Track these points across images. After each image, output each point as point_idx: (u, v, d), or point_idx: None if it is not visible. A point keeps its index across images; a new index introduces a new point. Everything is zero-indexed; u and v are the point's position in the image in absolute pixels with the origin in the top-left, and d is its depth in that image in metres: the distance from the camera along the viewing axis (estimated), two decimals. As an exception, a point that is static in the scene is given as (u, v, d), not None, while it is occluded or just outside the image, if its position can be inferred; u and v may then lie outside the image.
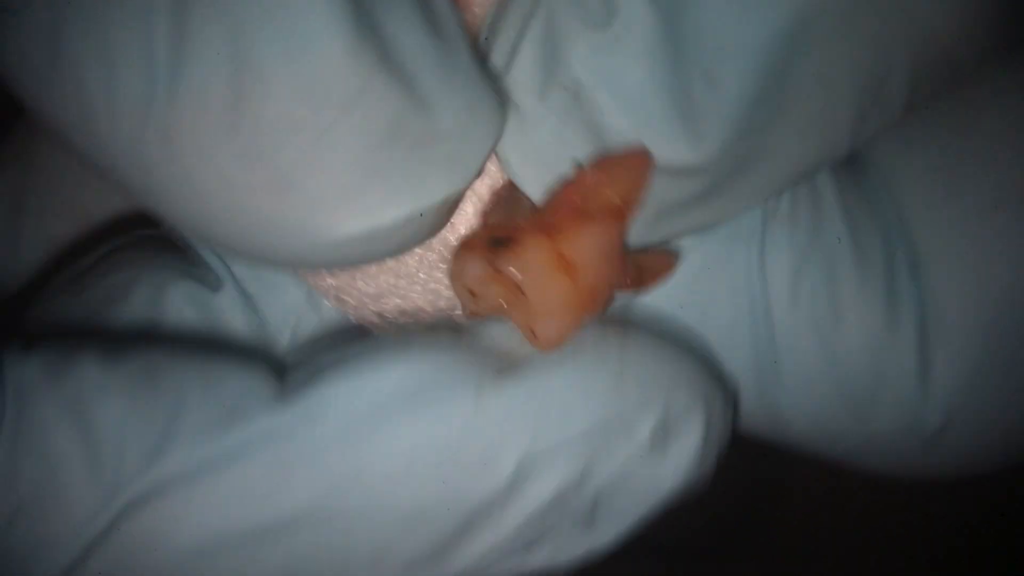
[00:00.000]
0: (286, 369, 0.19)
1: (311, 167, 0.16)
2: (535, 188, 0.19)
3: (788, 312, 0.20)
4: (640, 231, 0.19)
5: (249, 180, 0.16)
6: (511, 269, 0.18)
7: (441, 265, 0.20)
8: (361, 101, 0.16)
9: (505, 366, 0.18)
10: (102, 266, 0.22)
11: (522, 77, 0.18)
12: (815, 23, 0.17)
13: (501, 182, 0.20)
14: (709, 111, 0.17)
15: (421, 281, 0.20)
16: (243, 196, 0.16)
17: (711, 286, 0.21)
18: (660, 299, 0.21)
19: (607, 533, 0.20)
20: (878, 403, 0.21)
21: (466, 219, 0.20)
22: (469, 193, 0.20)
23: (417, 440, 0.17)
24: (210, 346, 0.20)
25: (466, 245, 0.19)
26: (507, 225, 0.19)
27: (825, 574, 0.52)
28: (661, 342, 0.19)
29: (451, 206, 0.18)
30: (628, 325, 0.19)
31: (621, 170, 0.18)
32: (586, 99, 0.17)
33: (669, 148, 0.17)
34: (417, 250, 0.20)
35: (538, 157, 0.18)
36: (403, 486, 0.17)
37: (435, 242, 0.20)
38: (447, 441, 0.17)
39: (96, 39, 0.15)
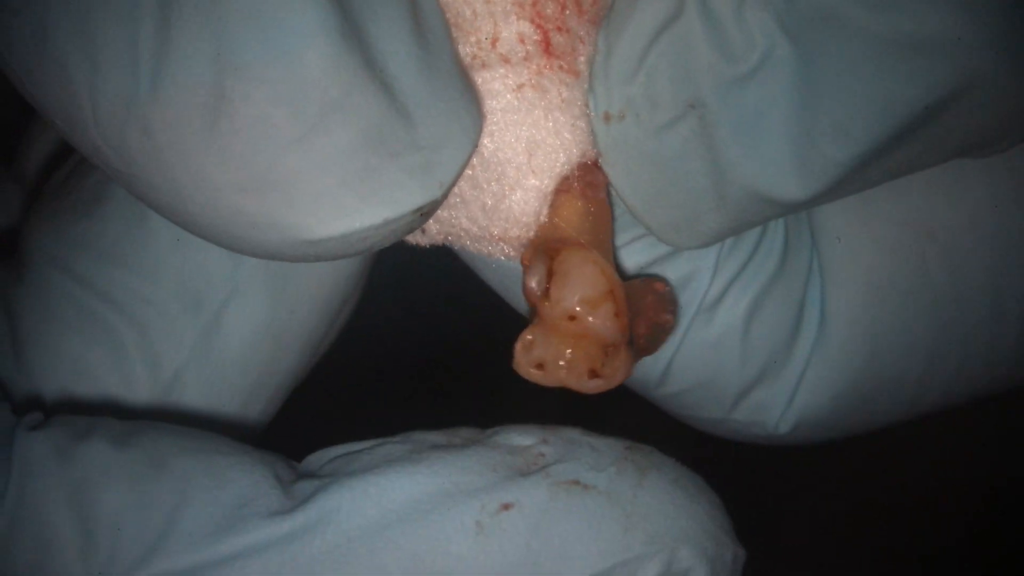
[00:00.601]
0: (293, 472, 0.19)
1: (288, 170, 0.16)
2: (638, 201, 0.19)
3: (714, 304, 0.21)
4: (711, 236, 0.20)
5: (226, 179, 0.16)
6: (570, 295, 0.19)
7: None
8: (342, 107, 0.16)
9: (512, 492, 0.18)
10: (82, 168, 0.23)
11: (651, 89, 0.18)
12: (956, 99, 0.17)
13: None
14: (828, 160, 0.18)
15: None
16: (218, 193, 0.16)
17: (677, 260, 0.22)
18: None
19: None
20: (744, 400, 0.22)
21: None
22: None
23: (411, 568, 0.17)
24: (219, 438, 0.20)
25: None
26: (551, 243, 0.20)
27: (826, 574, 0.52)
28: (676, 487, 0.19)
29: (425, 213, 0.18)
30: (649, 464, 0.19)
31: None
32: (709, 122, 0.18)
33: (776, 185, 0.18)
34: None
35: (651, 168, 0.19)
36: None
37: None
38: (442, 572, 0.17)
39: (82, 38, 0.16)
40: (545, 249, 0.20)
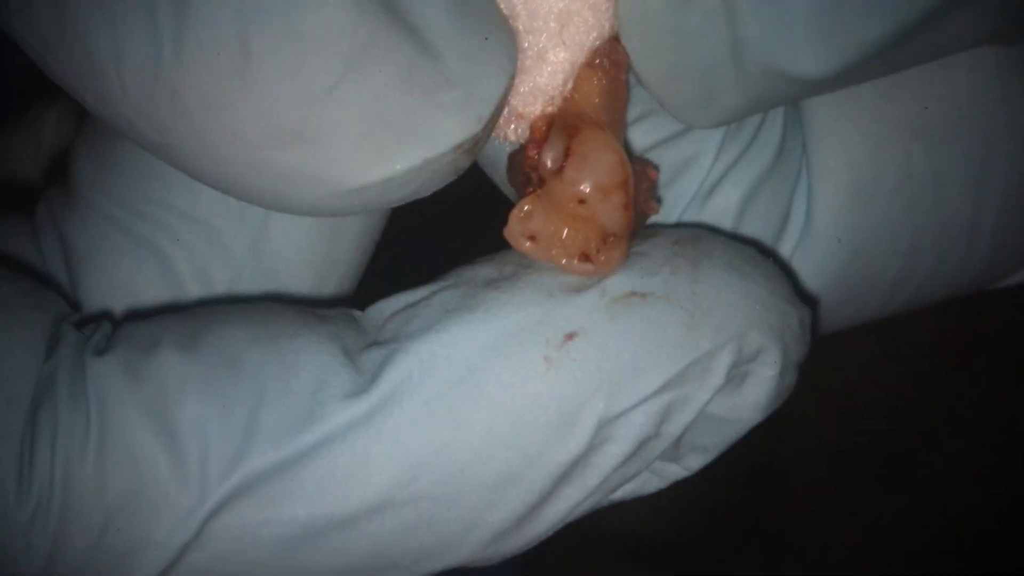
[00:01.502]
0: (358, 336, 0.19)
1: (322, 120, 0.16)
2: (655, 75, 0.19)
3: (708, 193, 0.21)
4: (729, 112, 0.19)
5: (260, 135, 0.16)
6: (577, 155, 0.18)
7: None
8: (368, 52, 0.16)
9: (572, 319, 0.18)
10: None
11: None
12: None
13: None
14: (854, 37, 0.17)
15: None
16: (256, 151, 0.17)
17: (681, 141, 0.22)
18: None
19: (690, 466, 0.20)
20: None
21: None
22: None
23: (492, 413, 0.18)
24: (281, 313, 0.20)
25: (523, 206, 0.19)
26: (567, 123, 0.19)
27: (826, 574, 0.52)
28: (731, 271, 0.19)
29: (468, 150, 0.18)
30: (699, 254, 0.19)
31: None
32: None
33: (796, 61, 0.17)
34: None
35: (670, 41, 0.18)
36: (483, 459, 0.18)
37: None
38: (521, 411, 0.18)
39: (101, 10, 0.16)
40: (564, 125, 0.19)
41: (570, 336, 0.18)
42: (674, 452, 0.20)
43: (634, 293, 0.18)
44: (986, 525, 0.51)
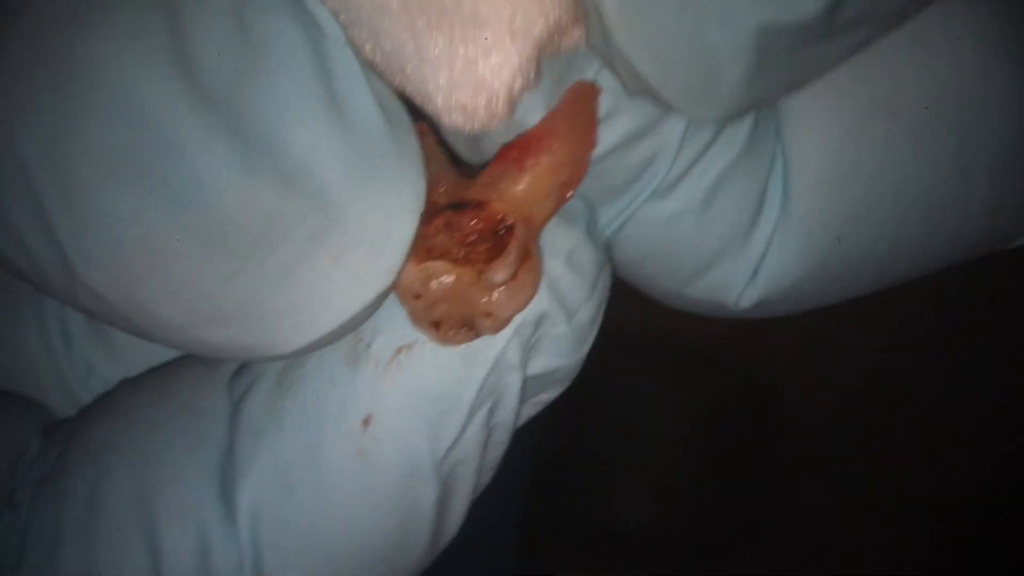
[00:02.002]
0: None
1: (232, 304, 0.17)
2: (650, 62, 0.17)
3: (673, 184, 0.21)
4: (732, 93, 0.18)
5: (183, 320, 0.17)
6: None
7: None
8: (268, 232, 0.16)
9: (364, 408, 0.19)
10: None
11: None
12: None
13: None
14: None
15: None
16: (184, 332, 0.17)
17: (640, 144, 0.20)
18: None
19: (557, 389, 0.21)
20: (700, 279, 0.22)
21: None
22: None
23: (335, 517, 0.19)
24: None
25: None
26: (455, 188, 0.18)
27: (827, 571, 0.52)
28: None
29: (389, 290, 0.18)
30: None
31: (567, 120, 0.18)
32: None
33: (786, 5, 0.17)
34: None
35: (662, 23, 0.17)
36: (352, 562, 0.19)
37: None
38: (362, 508, 0.19)
39: (5, 228, 0.17)
40: (521, 242, 0.18)
41: (367, 421, 0.18)
42: (533, 391, 0.20)
43: (399, 349, 0.18)
44: (987, 523, 0.51)
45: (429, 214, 0.18)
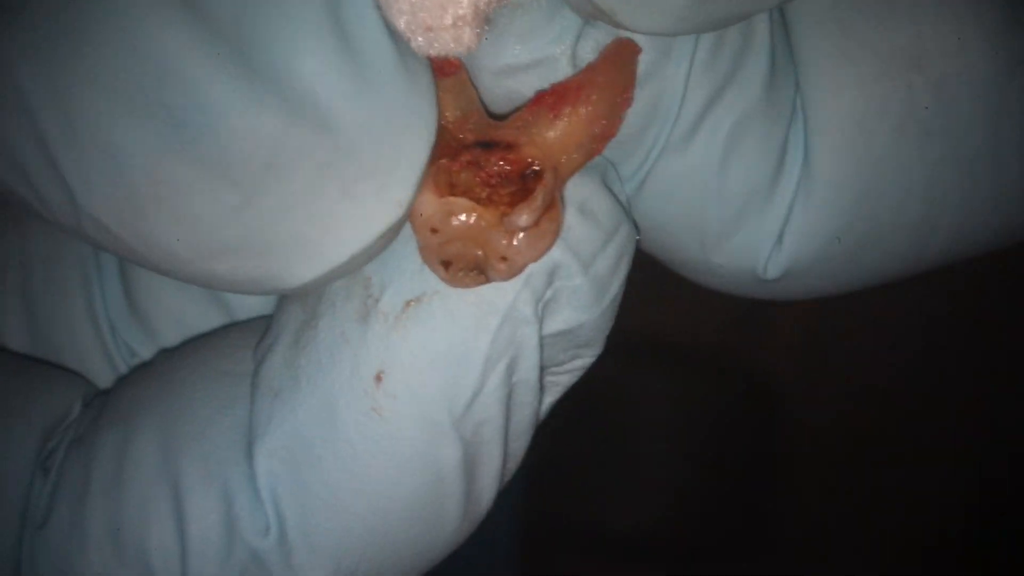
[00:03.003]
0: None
1: (240, 234, 0.16)
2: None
3: (688, 134, 0.20)
4: (679, 16, 0.17)
5: (189, 252, 0.17)
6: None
7: None
8: (275, 162, 0.16)
9: (376, 363, 0.18)
10: None
11: None
12: None
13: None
14: None
15: None
16: (191, 264, 0.17)
17: (642, 90, 0.20)
18: None
19: (592, 354, 0.20)
20: (726, 242, 0.21)
21: None
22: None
23: (364, 475, 0.18)
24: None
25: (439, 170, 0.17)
26: (479, 123, 0.18)
27: (826, 573, 0.52)
28: None
29: (400, 223, 0.17)
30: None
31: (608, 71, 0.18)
32: None
33: None
34: None
35: None
36: (385, 527, 0.18)
37: None
38: (385, 467, 0.18)
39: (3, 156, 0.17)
40: (548, 189, 0.18)
41: (379, 376, 0.18)
42: (565, 354, 0.20)
43: (408, 303, 0.18)
44: (988, 522, 0.51)
45: (455, 149, 0.17)
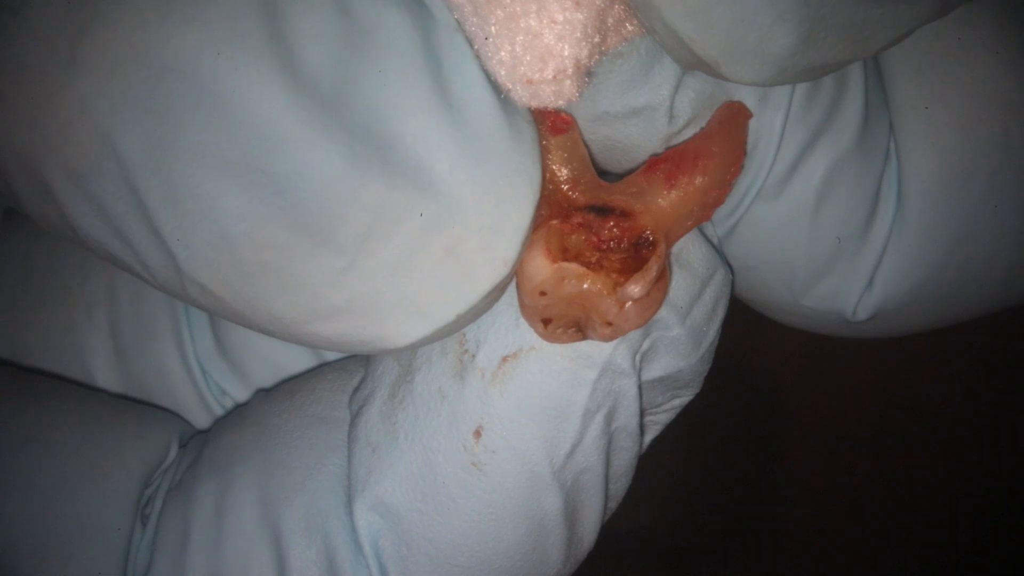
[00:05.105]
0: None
1: (347, 296, 0.16)
2: (690, 20, 0.16)
3: (782, 180, 0.20)
4: (788, 59, 0.17)
5: (296, 315, 0.17)
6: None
7: None
8: (378, 223, 0.16)
9: (475, 419, 0.18)
10: None
11: None
12: None
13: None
14: None
15: None
16: (297, 326, 0.17)
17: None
18: None
19: (691, 392, 0.20)
20: (816, 286, 0.21)
21: None
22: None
23: (466, 530, 0.18)
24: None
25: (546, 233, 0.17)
26: (593, 189, 0.17)
27: (826, 573, 0.52)
28: None
29: (507, 282, 0.17)
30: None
31: (719, 137, 0.17)
32: None
33: None
34: None
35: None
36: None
37: None
38: (487, 522, 0.18)
39: (101, 221, 0.17)
40: (660, 258, 0.17)
41: (478, 432, 0.18)
42: (664, 396, 0.20)
43: (505, 358, 0.18)
44: (988, 522, 0.51)
45: (565, 210, 0.17)
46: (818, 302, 0.21)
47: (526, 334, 0.18)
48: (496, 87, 0.16)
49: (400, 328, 0.17)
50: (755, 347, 0.51)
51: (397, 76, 0.16)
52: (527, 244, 0.17)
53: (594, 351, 0.18)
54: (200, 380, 0.22)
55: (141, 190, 0.16)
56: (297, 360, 0.22)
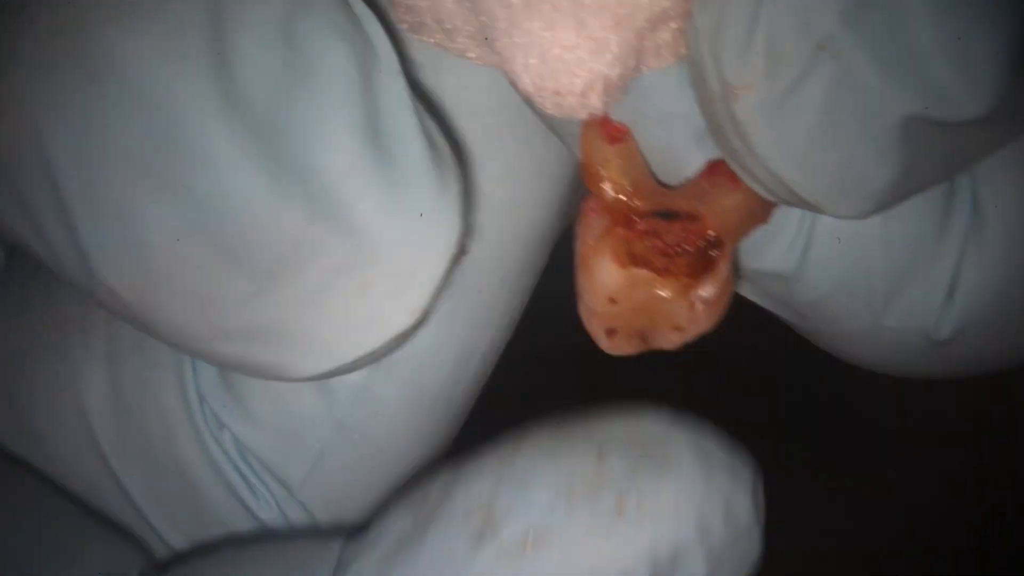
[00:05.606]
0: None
1: (254, 321, 0.16)
2: (793, 168, 0.16)
3: None
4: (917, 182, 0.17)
5: (203, 332, 0.17)
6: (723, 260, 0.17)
7: None
8: (295, 254, 0.16)
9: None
10: None
11: (774, 47, 0.16)
12: None
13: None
14: (993, 52, 0.16)
15: None
16: (204, 343, 0.17)
17: None
18: None
19: None
20: (896, 300, 0.20)
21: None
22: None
23: None
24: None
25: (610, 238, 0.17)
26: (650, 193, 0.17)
27: (826, 573, 0.52)
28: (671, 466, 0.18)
29: (412, 331, 0.17)
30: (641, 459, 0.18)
31: None
32: (844, 56, 0.16)
33: (942, 101, 0.16)
34: None
35: (798, 128, 0.16)
36: None
37: None
38: None
39: (24, 212, 0.17)
40: (724, 259, 0.17)
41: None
42: None
43: (525, 541, 0.17)
44: (989, 522, 0.51)
45: (628, 218, 0.17)
46: (898, 319, 0.20)
47: (558, 516, 0.17)
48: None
49: (300, 361, 0.17)
50: (756, 349, 0.51)
51: (332, 113, 0.16)
52: (438, 292, 0.17)
53: (616, 559, 0.17)
54: (197, 412, 0.22)
55: (62, 186, 0.16)
56: (301, 395, 0.21)
